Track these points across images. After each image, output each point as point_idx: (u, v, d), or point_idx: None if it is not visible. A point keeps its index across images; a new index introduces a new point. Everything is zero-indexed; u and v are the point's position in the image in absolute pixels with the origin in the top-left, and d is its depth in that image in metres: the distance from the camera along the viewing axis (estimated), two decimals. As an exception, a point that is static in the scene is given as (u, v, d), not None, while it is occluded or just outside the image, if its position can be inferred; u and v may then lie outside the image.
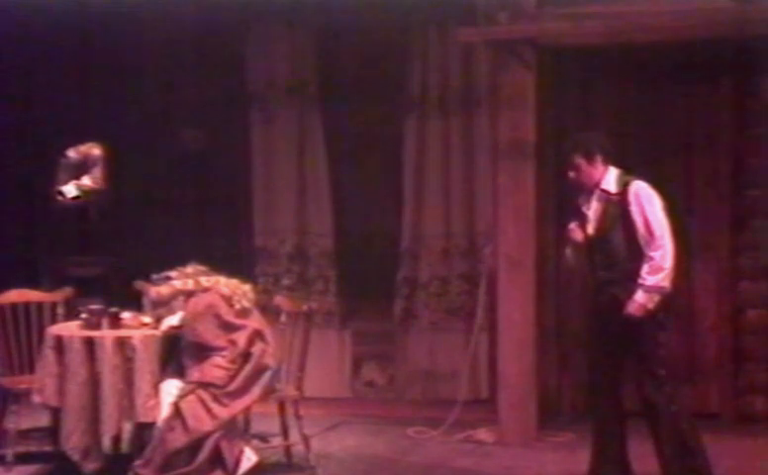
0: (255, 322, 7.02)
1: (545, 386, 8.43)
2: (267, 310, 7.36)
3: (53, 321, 7.53)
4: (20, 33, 9.13)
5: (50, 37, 9.28)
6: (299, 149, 9.42)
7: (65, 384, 6.96)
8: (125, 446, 7.21)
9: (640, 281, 6.48)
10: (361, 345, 9.44)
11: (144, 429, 7.00)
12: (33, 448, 7.47)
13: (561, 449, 7.86)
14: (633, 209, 6.55)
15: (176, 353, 6.98)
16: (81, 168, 8.32)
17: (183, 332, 6.96)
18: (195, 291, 7.02)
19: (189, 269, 7.14)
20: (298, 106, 9.40)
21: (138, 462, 6.75)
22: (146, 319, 7.18)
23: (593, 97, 8.70)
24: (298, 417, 7.28)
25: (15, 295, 7.65)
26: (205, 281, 7.06)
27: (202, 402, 6.76)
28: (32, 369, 7.37)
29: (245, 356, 6.90)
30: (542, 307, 8.32)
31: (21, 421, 7.42)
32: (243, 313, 7.00)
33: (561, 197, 8.70)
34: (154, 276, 7.18)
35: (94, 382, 6.91)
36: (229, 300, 7.00)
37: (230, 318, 6.96)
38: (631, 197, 6.56)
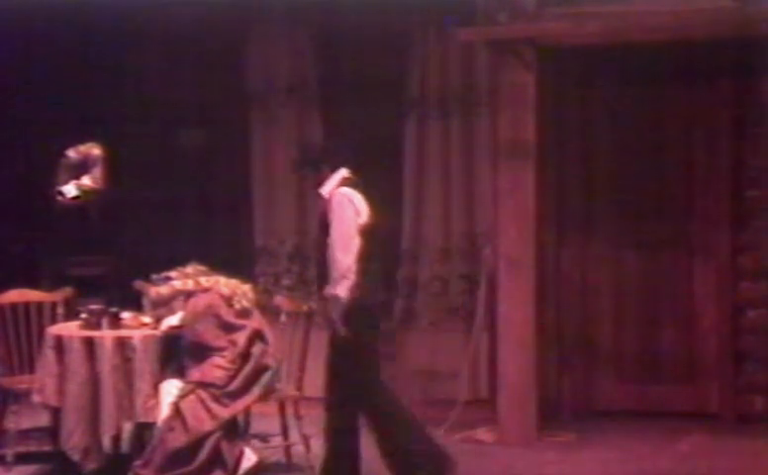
0: (255, 322, 7.01)
1: (545, 386, 8.43)
2: (267, 310, 7.36)
3: (53, 321, 7.53)
4: (19, 32, 9.13)
5: (50, 36, 9.28)
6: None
7: (65, 384, 6.96)
8: (125, 446, 7.20)
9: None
10: (361, 345, 9.42)
11: (144, 429, 7.00)
12: (33, 448, 7.47)
13: (561, 449, 7.86)
14: (330, 216, 6.48)
15: (176, 353, 6.98)
16: (81, 168, 8.30)
17: (183, 332, 6.95)
18: (195, 291, 7.02)
19: (189, 269, 7.14)
20: (298, 106, 9.40)
21: (138, 462, 6.74)
22: (146, 319, 7.18)
23: (593, 97, 8.69)
24: (298, 417, 7.27)
25: (15, 295, 7.65)
26: (205, 281, 7.06)
27: (202, 402, 6.76)
28: (32, 369, 7.37)
29: (245, 356, 6.89)
30: (542, 307, 8.31)
31: (21, 421, 7.42)
32: (243, 313, 7.00)
33: (561, 197, 8.72)
34: (154, 276, 7.18)
35: (94, 382, 6.90)
36: (228, 300, 7.00)
37: (229, 318, 6.95)
38: (331, 203, 6.49)
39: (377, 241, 6.57)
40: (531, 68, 7.95)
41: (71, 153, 8.10)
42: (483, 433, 8.12)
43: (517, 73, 7.96)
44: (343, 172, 6.66)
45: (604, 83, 8.65)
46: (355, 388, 6.54)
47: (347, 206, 6.47)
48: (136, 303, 7.33)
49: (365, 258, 6.47)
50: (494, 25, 8.07)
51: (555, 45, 8.13)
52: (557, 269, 8.69)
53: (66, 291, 7.78)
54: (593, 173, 8.72)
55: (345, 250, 6.40)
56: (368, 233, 6.52)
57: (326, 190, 6.61)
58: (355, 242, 6.43)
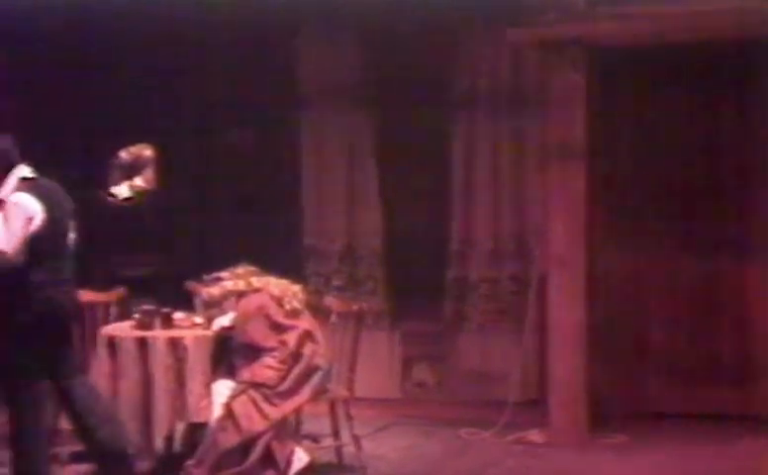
0: (306, 322, 7.03)
1: (597, 387, 8.37)
2: (318, 310, 7.37)
3: (106, 321, 7.58)
4: (65, 33, 9.18)
5: (108, 38, 9.34)
6: (349, 151, 9.44)
7: (118, 384, 7.00)
8: (177, 446, 7.24)
9: None
10: (411, 346, 9.42)
11: (196, 430, 7.03)
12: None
13: (614, 451, 7.81)
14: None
15: (227, 354, 7.01)
16: (133, 170, 8.36)
17: (234, 332, 6.98)
18: (246, 292, 7.05)
19: (240, 270, 7.17)
20: (347, 108, 9.42)
21: (190, 462, 6.78)
22: (198, 319, 7.22)
23: (645, 96, 8.62)
24: (349, 417, 7.28)
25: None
26: (256, 282, 7.09)
27: (253, 402, 6.78)
28: (86, 370, 7.41)
29: (296, 357, 6.91)
30: (592, 307, 8.27)
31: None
32: (294, 313, 7.02)
33: (612, 197, 8.67)
34: (206, 277, 7.22)
35: (146, 382, 6.94)
36: (279, 300, 7.02)
37: (280, 318, 6.97)
38: (4, 206, 6.35)
39: (51, 240, 6.44)
40: (581, 68, 7.91)
41: (123, 155, 8.15)
42: (534, 435, 8.08)
43: (566, 73, 7.92)
44: (24, 172, 6.49)
45: (657, 82, 8.58)
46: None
47: (18, 212, 6.33)
48: (187, 303, 7.37)
49: (40, 258, 6.38)
50: (543, 25, 8.04)
51: (605, 45, 8.07)
52: (608, 269, 8.64)
53: (119, 291, 7.83)
54: (644, 173, 8.67)
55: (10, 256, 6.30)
56: (43, 233, 6.39)
57: (3, 193, 6.42)
58: (21, 249, 6.30)
